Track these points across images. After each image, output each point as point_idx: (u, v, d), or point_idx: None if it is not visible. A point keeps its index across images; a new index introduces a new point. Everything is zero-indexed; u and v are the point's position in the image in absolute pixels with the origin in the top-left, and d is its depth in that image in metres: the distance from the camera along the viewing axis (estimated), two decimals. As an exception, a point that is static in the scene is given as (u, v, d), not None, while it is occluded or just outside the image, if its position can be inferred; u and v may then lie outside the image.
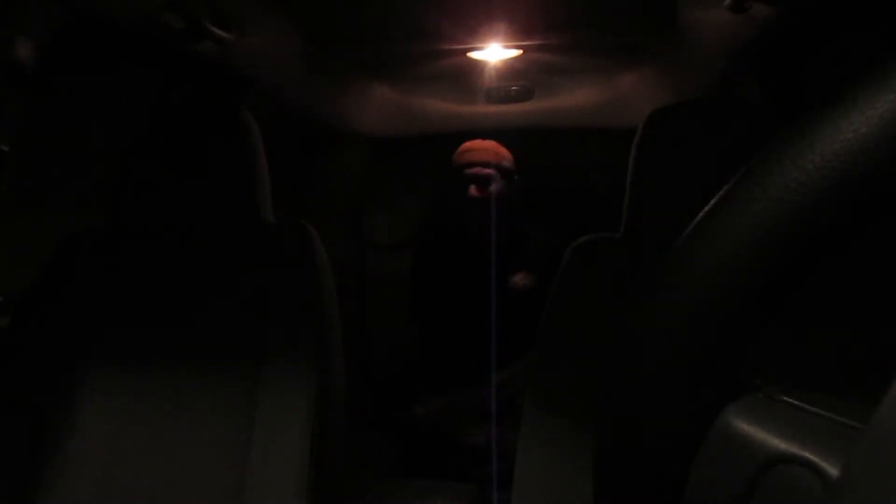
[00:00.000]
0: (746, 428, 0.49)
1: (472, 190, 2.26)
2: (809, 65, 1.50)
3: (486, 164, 2.26)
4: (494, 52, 1.92)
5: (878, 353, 0.54)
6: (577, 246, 1.42)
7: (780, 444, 0.46)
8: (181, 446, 1.29)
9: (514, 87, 2.34)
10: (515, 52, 1.93)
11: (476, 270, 2.22)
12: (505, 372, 2.12)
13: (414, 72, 2.19)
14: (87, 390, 1.34)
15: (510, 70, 2.11)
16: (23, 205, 1.68)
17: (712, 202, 0.53)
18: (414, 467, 2.25)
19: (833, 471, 0.42)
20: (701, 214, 0.54)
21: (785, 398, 0.50)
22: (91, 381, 1.34)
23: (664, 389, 0.54)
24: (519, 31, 1.75)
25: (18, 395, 1.34)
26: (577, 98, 2.51)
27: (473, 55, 1.94)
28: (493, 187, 2.25)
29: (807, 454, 0.44)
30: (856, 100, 0.44)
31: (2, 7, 1.23)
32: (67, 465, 1.30)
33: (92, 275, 1.41)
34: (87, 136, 1.76)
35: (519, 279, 2.30)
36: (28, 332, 1.38)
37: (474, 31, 1.72)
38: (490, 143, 2.32)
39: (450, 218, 2.39)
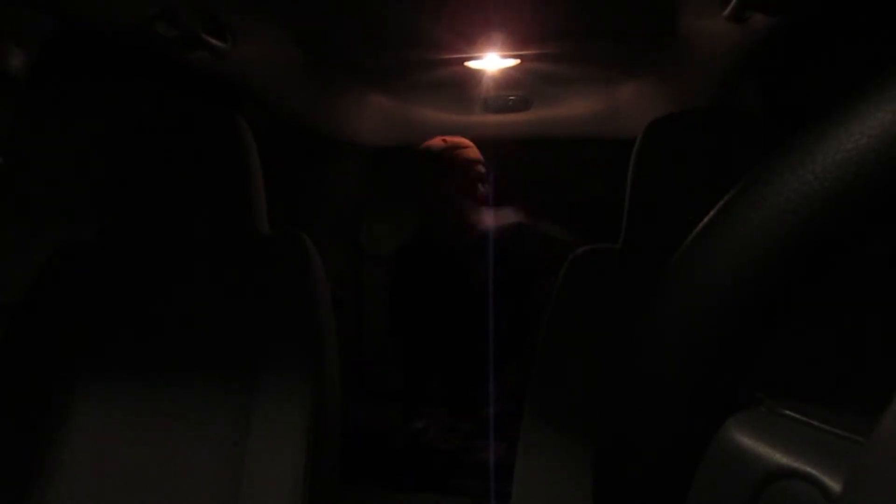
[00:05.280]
0: (747, 442, 0.48)
1: (481, 188, 2.22)
2: (809, 74, 1.50)
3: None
4: (492, 62, 1.92)
5: (879, 365, 0.53)
6: (577, 256, 1.42)
7: (781, 458, 0.46)
8: (175, 457, 1.28)
9: (511, 97, 2.35)
10: (513, 62, 1.94)
11: (464, 278, 2.20)
12: (504, 378, 2.11)
13: (411, 81, 2.19)
14: (79, 402, 1.33)
15: (508, 79, 2.11)
16: (12, 216, 1.67)
17: (711, 213, 0.53)
18: (410, 481, 2.24)
19: (835, 485, 0.42)
20: (700, 226, 0.53)
21: (787, 412, 0.50)
22: (83, 392, 1.33)
23: (664, 402, 0.54)
24: (517, 40, 1.75)
25: (10, 406, 1.34)
26: (575, 108, 2.51)
27: (471, 64, 1.94)
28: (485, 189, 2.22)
29: (809, 468, 0.44)
30: (857, 110, 0.44)
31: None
32: (60, 476, 1.29)
33: (83, 286, 1.40)
34: (79, 145, 1.76)
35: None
36: (19, 345, 1.38)
37: (471, 40, 1.72)
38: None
39: (444, 222, 2.34)
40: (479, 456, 2.08)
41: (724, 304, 0.49)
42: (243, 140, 1.39)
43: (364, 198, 2.85)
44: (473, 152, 2.22)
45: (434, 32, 1.67)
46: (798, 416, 0.49)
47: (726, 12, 1.29)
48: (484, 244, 2.17)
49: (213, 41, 1.49)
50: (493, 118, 2.56)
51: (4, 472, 1.29)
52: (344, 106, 2.37)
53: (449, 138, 2.21)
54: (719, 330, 0.49)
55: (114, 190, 1.42)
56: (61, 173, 1.77)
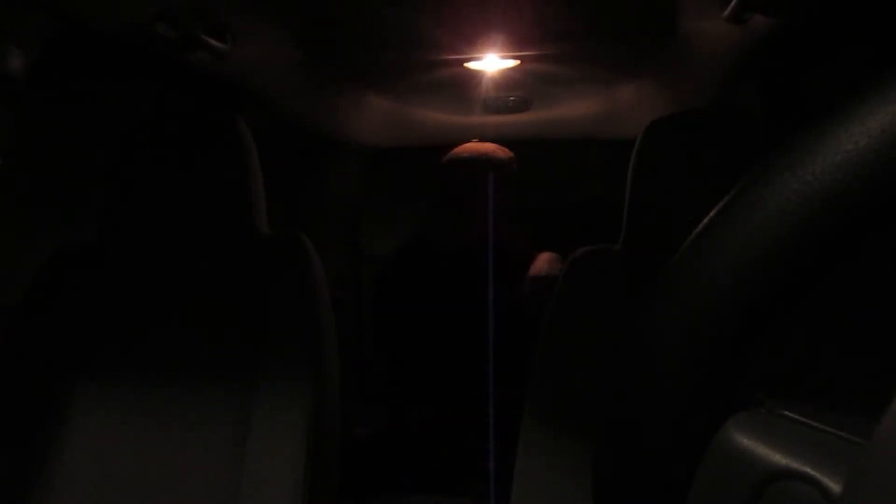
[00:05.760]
0: (747, 442, 0.48)
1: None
2: (809, 75, 1.50)
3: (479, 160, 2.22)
4: (492, 63, 1.92)
5: (880, 367, 0.53)
6: (577, 257, 1.42)
7: (781, 459, 0.46)
8: (175, 457, 1.28)
9: (511, 98, 2.34)
10: (513, 63, 1.93)
11: (461, 288, 2.19)
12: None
13: (411, 82, 2.18)
14: (79, 402, 1.33)
15: (507, 80, 2.11)
16: (12, 216, 1.67)
17: (711, 214, 0.53)
18: (411, 482, 2.23)
19: (835, 486, 0.42)
20: (700, 226, 0.53)
21: (787, 413, 0.50)
22: (83, 393, 1.33)
23: (664, 403, 0.54)
24: (516, 41, 1.75)
25: (10, 406, 1.34)
26: (575, 108, 2.51)
27: (470, 65, 1.94)
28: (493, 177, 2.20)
29: (808, 469, 0.44)
30: (856, 111, 0.44)
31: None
32: (60, 476, 1.29)
33: (82, 289, 1.40)
34: (78, 147, 1.76)
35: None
36: (19, 345, 1.37)
37: (471, 41, 1.72)
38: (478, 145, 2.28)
39: (436, 233, 2.34)
40: (479, 457, 2.07)
41: (725, 305, 0.49)
42: (243, 140, 1.39)
43: (364, 198, 2.85)
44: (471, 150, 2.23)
45: (434, 33, 1.66)
46: (798, 416, 0.49)
47: (726, 13, 1.29)
48: (486, 245, 2.17)
49: (213, 42, 1.49)
50: (492, 119, 2.56)
51: (4, 472, 1.29)
52: (344, 106, 2.37)
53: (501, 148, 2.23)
54: (719, 330, 0.49)
55: (114, 190, 1.42)
56: (61, 174, 1.77)
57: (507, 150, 2.25)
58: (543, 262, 2.20)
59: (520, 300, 2.19)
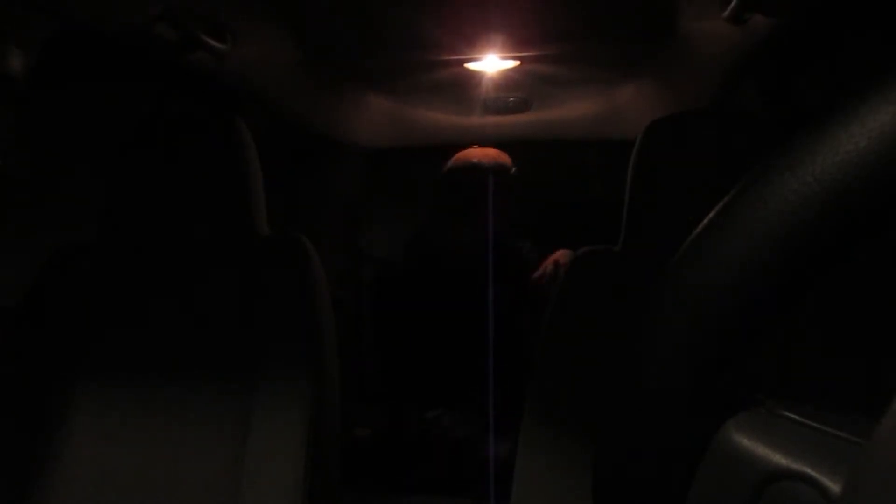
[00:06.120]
0: (747, 443, 0.48)
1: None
2: (809, 75, 1.50)
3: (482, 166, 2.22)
4: (492, 63, 1.92)
5: (880, 367, 0.53)
6: (577, 257, 1.42)
7: (781, 459, 0.46)
8: (175, 457, 1.28)
9: (511, 98, 2.34)
10: (513, 63, 1.93)
11: (462, 288, 2.19)
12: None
13: (411, 82, 2.19)
14: (79, 402, 1.33)
15: (508, 81, 2.11)
16: (12, 216, 1.67)
17: (711, 214, 0.53)
18: (411, 481, 2.23)
19: (835, 487, 0.42)
20: (699, 227, 0.53)
21: (787, 413, 0.50)
22: (83, 393, 1.33)
23: (664, 402, 0.53)
24: (516, 41, 1.75)
25: (10, 407, 1.33)
26: (575, 109, 2.51)
27: (471, 66, 1.94)
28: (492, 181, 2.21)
29: (808, 470, 0.44)
30: (856, 112, 0.44)
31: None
32: (60, 476, 1.29)
33: (83, 287, 1.40)
34: (78, 147, 1.76)
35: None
36: (19, 345, 1.37)
37: (471, 41, 1.72)
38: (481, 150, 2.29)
39: (438, 233, 2.35)
40: (479, 457, 2.07)
41: (725, 305, 0.49)
42: (243, 141, 1.39)
43: (364, 198, 2.85)
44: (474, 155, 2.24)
45: (434, 34, 1.66)
46: (798, 417, 0.49)
47: (726, 13, 1.29)
48: (486, 245, 2.18)
49: (213, 42, 1.49)
50: (492, 120, 2.56)
51: (4, 472, 1.29)
52: (344, 106, 2.37)
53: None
54: (719, 330, 0.49)
55: (114, 191, 1.42)
56: (61, 174, 1.77)
57: (506, 155, 2.26)
58: (560, 254, 2.22)
59: (520, 299, 2.19)
